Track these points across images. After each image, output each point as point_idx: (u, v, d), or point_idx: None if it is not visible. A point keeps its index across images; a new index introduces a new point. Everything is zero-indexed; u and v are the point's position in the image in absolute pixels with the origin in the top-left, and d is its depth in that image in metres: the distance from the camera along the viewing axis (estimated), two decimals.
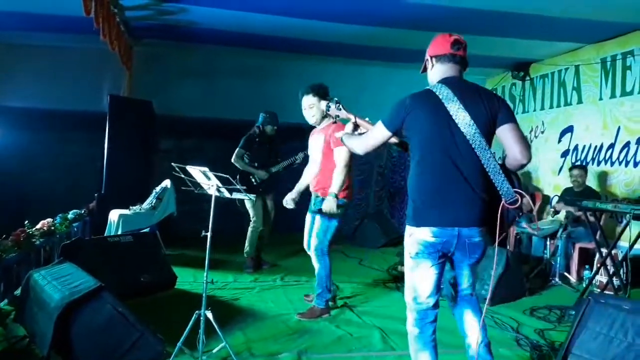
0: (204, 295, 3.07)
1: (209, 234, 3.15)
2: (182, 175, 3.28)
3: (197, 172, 3.18)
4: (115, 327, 2.91)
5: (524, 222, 6.02)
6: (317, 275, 4.14)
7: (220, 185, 3.13)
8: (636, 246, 4.30)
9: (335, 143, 3.99)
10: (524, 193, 2.28)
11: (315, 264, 4.14)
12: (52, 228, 4.89)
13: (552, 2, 4.92)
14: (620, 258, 4.69)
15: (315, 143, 4.27)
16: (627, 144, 5.66)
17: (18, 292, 3.90)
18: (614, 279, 4.53)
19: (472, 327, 2.53)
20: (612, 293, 4.40)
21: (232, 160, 5.59)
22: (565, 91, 6.79)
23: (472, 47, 7.10)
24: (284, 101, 7.31)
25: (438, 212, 2.31)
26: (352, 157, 3.98)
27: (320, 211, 4.02)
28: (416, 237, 2.35)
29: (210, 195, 3.17)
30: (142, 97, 6.99)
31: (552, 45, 6.46)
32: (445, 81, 2.38)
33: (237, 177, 5.46)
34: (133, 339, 2.91)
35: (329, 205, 3.93)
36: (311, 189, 4.28)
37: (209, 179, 3.15)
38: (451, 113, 2.29)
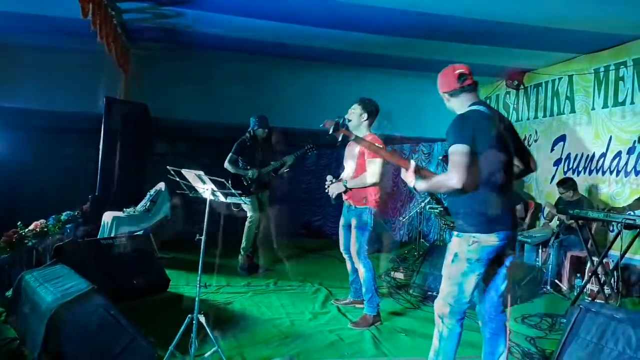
0: (196, 298, 3.07)
1: (202, 238, 3.15)
2: (177, 179, 3.28)
3: (192, 175, 3.19)
4: (106, 330, 2.90)
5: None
6: (365, 279, 4.15)
7: (215, 189, 3.13)
8: (627, 255, 4.33)
9: (369, 154, 4.08)
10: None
11: (360, 269, 4.19)
12: (45, 229, 4.88)
13: (547, 12, 4.97)
14: (611, 267, 4.73)
15: (350, 153, 4.36)
16: (619, 154, 5.71)
17: (9, 293, 3.88)
18: (605, 287, 4.56)
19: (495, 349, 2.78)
20: (603, 302, 4.43)
21: (225, 165, 5.64)
22: (559, 100, 6.84)
23: (467, 56, 7.17)
24: (280, 106, 7.36)
25: (504, 218, 2.61)
26: (384, 173, 4.17)
27: (355, 220, 4.21)
28: (482, 243, 2.59)
29: (205, 199, 3.17)
30: (138, 100, 6.98)
31: (546, 55, 6.51)
32: (480, 104, 2.71)
33: (229, 182, 5.46)
34: (124, 342, 2.90)
35: (336, 188, 4.23)
36: (344, 197, 4.34)
37: (204, 182, 3.16)
38: (501, 131, 2.62)
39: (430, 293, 4.88)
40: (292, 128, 7.67)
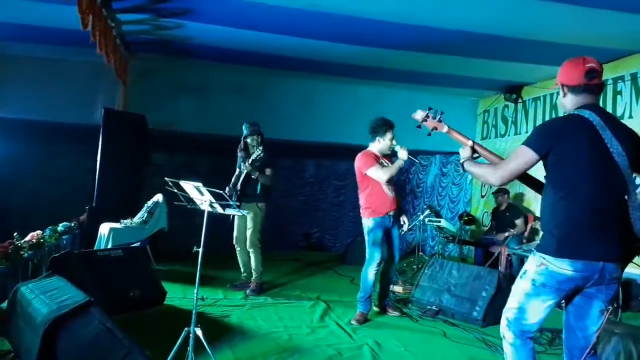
0: (193, 312, 3.03)
1: (200, 250, 3.12)
2: (175, 190, 3.26)
3: (190, 187, 3.17)
4: (102, 343, 2.85)
5: (514, 243, 6.06)
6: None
7: (213, 200, 3.11)
8: (628, 270, 4.30)
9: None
10: None
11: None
12: (42, 240, 4.83)
13: (544, 27, 5.01)
14: None
15: None
16: None
17: (4, 305, 3.83)
18: None
19: None
20: None
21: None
22: (557, 114, 6.86)
23: (466, 69, 7.16)
24: (277, 118, 7.37)
25: (587, 244, 2.18)
26: None
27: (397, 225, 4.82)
28: (551, 268, 2.20)
29: (203, 211, 3.15)
30: (136, 111, 6.98)
31: (544, 69, 6.55)
32: (590, 108, 2.26)
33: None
34: (120, 355, 2.84)
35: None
36: (388, 209, 4.70)
37: (202, 194, 3.14)
38: (606, 142, 2.19)
39: (429, 307, 4.84)
40: (289, 140, 7.68)
